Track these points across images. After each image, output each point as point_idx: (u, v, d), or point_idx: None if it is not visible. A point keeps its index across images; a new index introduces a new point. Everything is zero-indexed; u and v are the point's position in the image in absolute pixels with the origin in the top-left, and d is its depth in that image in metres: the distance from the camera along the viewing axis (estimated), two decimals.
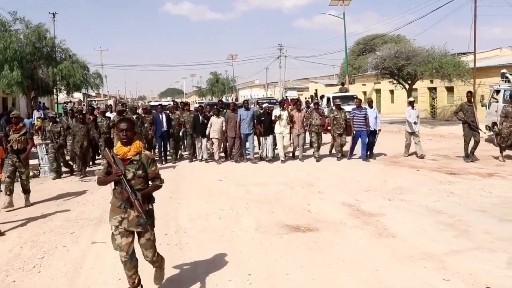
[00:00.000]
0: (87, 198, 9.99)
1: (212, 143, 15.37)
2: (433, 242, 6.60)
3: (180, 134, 15.70)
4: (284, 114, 14.42)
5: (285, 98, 23.57)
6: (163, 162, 15.04)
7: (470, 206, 8.40)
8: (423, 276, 5.44)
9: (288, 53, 67.47)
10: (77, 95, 46.05)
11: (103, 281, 5.58)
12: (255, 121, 14.66)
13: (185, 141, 16.60)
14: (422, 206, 8.52)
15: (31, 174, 12.62)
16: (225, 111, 16.13)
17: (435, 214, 7.98)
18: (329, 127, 14.80)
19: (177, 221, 7.99)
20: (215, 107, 16.23)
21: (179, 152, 16.34)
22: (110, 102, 42.29)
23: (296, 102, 15.85)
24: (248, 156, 15.01)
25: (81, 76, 31.50)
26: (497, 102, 17.41)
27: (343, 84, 34.32)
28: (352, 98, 21.83)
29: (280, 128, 14.32)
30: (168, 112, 16.24)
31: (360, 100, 15.25)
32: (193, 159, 15.62)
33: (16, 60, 27.37)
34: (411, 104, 15.16)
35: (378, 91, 40.81)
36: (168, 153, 15.86)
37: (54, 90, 34.05)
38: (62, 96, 41.04)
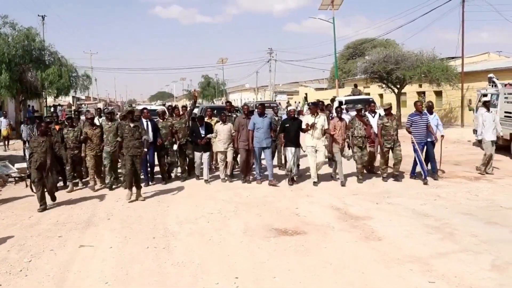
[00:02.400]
0: (75, 202, 9.95)
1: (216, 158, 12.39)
2: (419, 245, 6.66)
3: (175, 148, 12.06)
4: (319, 121, 11.00)
5: (317, 100, 18.75)
6: (149, 182, 11.73)
7: (457, 209, 8.48)
8: (409, 279, 5.49)
9: (278, 57, 67.68)
10: (67, 98, 45.78)
11: (90, 285, 5.56)
12: (273, 130, 11.60)
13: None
14: (409, 209, 8.59)
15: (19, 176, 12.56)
16: (235, 115, 13.09)
17: (422, 217, 8.05)
18: (370, 138, 11.56)
19: (165, 224, 7.98)
20: (222, 112, 12.75)
21: (173, 171, 12.62)
22: (100, 105, 42.02)
23: (337, 108, 12.10)
24: (257, 174, 11.66)
25: (68, 80, 31.29)
26: None
27: (356, 85, 29.81)
28: (367, 101, 18.39)
29: (313, 140, 10.99)
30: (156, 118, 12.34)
31: (421, 102, 12.16)
32: (184, 177, 12.20)
33: (4, 63, 27.18)
34: (486, 106, 12.54)
35: (367, 95, 40.99)
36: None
37: (43, 93, 33.82)
38: (50, 100, 40.78)
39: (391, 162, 11.49)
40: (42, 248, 6.88)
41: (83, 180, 11.99)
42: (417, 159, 11.22)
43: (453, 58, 31.14)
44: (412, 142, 11.26)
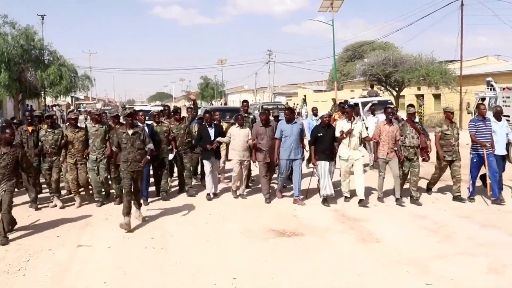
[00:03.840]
0: (73, 202, 9.93)
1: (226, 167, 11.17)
2: (416, 247, 6.69)
3: (171, 157, 10.04)
4: (357, 128, 9.26)
5: (344, 101, 17.69)
6: (147, 199, 9.51)
7: (454, 212, 8.51)
8: (406, 281, 5.53)
9: (277, 58, 67.72)
10: (66, 98, 45.77)
11: (88, 284, 5.58)
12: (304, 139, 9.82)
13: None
14: (407, 211, 8.62)
15: None
16: (252, 116, 11.73)
17: (420, 219, 8.08)
18: (425, 149, 9.65)
19: (163, 225, 8.00)
20: (237, 115, 10.70)
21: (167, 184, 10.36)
22: (99, 105, 41.98)
23: (390, 110, 9.68)
24: (279, 187, 10.08)
25: (69, 82, 31.31)
26: None
27: (372, 86, 27.09)
28: (385, 103, 16.59)
29: (349, 150, 9.20)
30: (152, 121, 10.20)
31: (484, 106, 9.92)
32: (189, 192, 10.30)
33: (3, 62, 27.20)
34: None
35: (353, 98, 41.09)
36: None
37: (42, 93, 33.84)
38: (49, 99, 40.78)
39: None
40: (40, 247, 6.88)
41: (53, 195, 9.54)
42: (471, 174, 9.47)
43: (451, 61, 31.26)
44: (473, 153, 9.37)
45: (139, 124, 8.90)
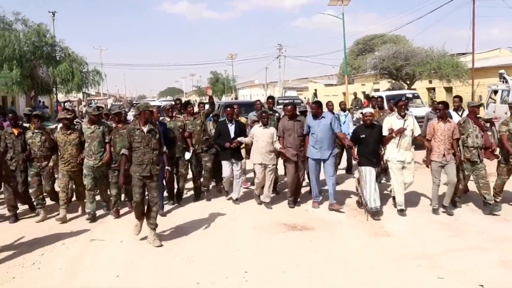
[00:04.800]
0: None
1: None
2: (428, 241, 6.68)
3: (188, 157, 8.97)
4: (409, 125, 8.00)
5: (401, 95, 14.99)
6: (163, 208, 8.43)
7: (466, 207, 8.46)
8: (417, 275, 5.52)
9: (287, 52, 67.57)
10: (77, 94, 46.03)
11: (101, 278, 5.64)
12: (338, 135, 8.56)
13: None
14: (419, 205, 8.59)
15: None
16: (277, 114, 10.34)
17: (431, 214, 8.04)
18: (491, 148, 8.22)
19: (175, 220, 8.04)
20: (261, 112, 9.31)
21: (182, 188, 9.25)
22: (110, 100, 42.04)
23: (439, 104, 8.41)
24: (314, 194, 8.75)
25: (80, 79, 31.51)
26: (495, 102, 17.49)
27: (395, 78, 25.70)
28: (411, 97, 14.95)
29: (400, 152, 7.99)
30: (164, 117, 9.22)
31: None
32: (206, 197, 9.40)
33: (15, 59, 27.43)
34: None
35: (377, 91, 40.94)
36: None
37: (54, 89, 34.10)
38: (61, 95, 41.06)
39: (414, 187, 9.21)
40: (54, 242, 6.96)
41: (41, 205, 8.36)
42: None
43: (463, 54, 31.03)
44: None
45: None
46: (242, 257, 6.20)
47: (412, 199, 8.95)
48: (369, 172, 7.90)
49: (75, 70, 30.65)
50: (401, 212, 8.04)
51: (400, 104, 8.17)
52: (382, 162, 8.50)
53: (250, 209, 8.67)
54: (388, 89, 21.84)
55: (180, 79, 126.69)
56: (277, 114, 10.32)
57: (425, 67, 26.82)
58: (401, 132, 7.91)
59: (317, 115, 8.42)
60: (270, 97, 11.32)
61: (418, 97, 18.07)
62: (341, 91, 44.05)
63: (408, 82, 29.17)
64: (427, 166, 8.15)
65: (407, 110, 8.49)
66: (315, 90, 52.42)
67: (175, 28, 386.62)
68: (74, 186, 8.71)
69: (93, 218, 8.14)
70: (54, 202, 8.65)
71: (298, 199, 8.93)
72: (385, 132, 8.04)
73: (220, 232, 7.32)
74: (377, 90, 37.61)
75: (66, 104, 39.11)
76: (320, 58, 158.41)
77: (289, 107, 8.84)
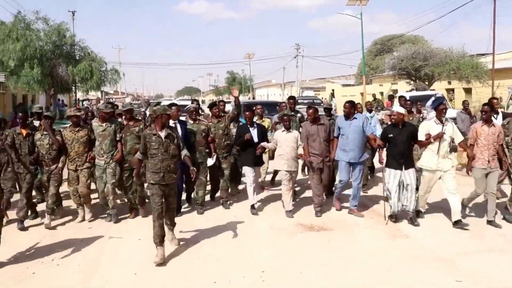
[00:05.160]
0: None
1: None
2: (446, 243, 6.62)
3: (210, 163, 8.39)
4: (448, 130, 7.36)
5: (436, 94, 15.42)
6: (180, 210, 8.24)
7: (485, 209, 8.33)
8: (435, 277, 5.48)
9: (305, 52, 67.35)
10: (96, 93, 46.51)
11: (119, 275, 5.70)
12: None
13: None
14: (438, 207, 8.50)
15: None
16: (299, 116, 9.92)
17: (450, 216, 7.94)
18: None
19: (192, 219, 8.08)
20: (282, 115, 9.12)
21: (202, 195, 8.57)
22: (128, 99, 42.42)
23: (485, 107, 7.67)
24: (337, 193, 8.50)
25: (98, 78, 31.82)
26: None
27: (419, 78, 24.67)
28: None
29: (437, 159, 7.38)
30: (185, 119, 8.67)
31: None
32: (224, 206, 8.78)
33: (36, 58, 27.80)
34: None
35: (395, 91, 40.70)
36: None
37: (73, 87, 34.50)
38: (80, 94, 41.52)
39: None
40: (72, 239, 7.04)
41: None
42: None
43: (483, 54, 30.63)
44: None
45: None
46: (259, 257, 6.22)
47: (430, 201, 8.86)
48: (393, 175, 7.47)
49: (94, 69, 30.96)
50: (421, 213, 7.82)
51: (440, 108, 7.48)
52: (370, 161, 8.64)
53: (267, 210, 8.66)
54: (412, 90, 20.80)
55: (198, 78, 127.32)
56: (299, 115, 9.88)
57: (444, 67, 26.58)
58: (439, 137, 7.31)
59: (349, 115, 8.03)
60: (291, 97, 10.67)
61: (444, 98, 17.52)
62: (358, 91, 43.79)
63: (427, 82, 28.93)
64: (468, 174, 7.71)
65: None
66: (333, 90, 52.21)
67: (193, 28, 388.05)
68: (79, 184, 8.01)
69: (115, 218, 7.91)
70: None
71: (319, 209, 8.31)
72: (421, 137, 7.48)
73: (237, 232, 7.32)
74: (396, 90, 37.42)
75: (84, 102, 39.55)
76: (338, 58, 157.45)
77: (310, 110, 8.25)
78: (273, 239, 6.96)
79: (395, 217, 7.65)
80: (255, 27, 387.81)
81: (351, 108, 8.08)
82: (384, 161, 7.70)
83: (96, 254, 6.44)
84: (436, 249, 6.38)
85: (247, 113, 8.62)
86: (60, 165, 7.76)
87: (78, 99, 40.90)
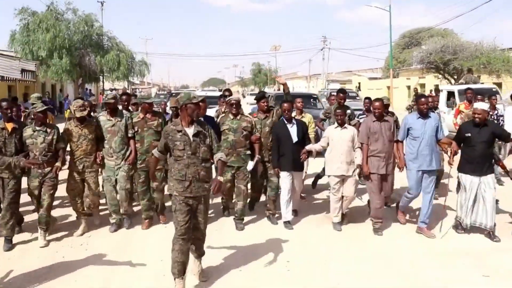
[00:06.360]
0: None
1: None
2: (474, 238, 6.54)
3: (250, 167, 7.02)
4: None
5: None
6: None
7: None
8: (462, 272, 5.45)
9: (332, 45, 66.93)
10: (122, 82, 47.06)
11: (146, 261, 5.77)
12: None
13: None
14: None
15: None
16: (348, 111, 7.88)
17: None
18: None
19: (217, 208, 8.04)
20: (336, 107, 7.77)
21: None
22: (154, 90, 42.64)
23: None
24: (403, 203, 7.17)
25: (126, 68, 32.20)
26: None
27: (470, 70, 21.79)
28: (489, 93, 11.83)
29: None
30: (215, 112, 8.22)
31: None
32: (272, 221, 7.31)
33: (65, 48, 28.27)
34: None
35: (422, 85, 40.15)
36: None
37: (101, 77, 35.00)
38: (108, 84, 42.08)
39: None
40: (101, 224, 7.16)
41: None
42: None
43: None
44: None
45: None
46: (284, 247, 6.23)
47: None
48: (469, 182, 6.46)
49: (121, 59, 31.34)
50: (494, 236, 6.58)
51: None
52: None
53: (293, 201, 8.57)
54: (461, 83, 19.35)
55: (223, 69, 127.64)
56: (348, 111, 8.05)
57: (474, 61, 26.06)
58: None
59: (423, 113, 6.67)
60: (341, 91, 8.73)
61: (497, 92, 15.64)
62: (385, 85, 43.35)
63: (456, 77, 28.44)
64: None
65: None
66: (359, 83, 51.81)
67: (219, 20, 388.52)
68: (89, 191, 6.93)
69: (117, 228, 6.95)
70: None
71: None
72: None
73: (263, 222, 7.35)
74: (423, 85, 36.89)
75: (110, 95, 39.96)
76: (365, 51, 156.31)
77: (377, 103, 6.84)
78: (299, 230, 6.94)
79: (462, 228, 6.69)
80: (282, 19, 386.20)
81: (425, 104, 6.66)
82: (453, 164, 6.65)
83: (123, 240, 6.57)
84: (463, 244, 6.32)
85: (285, 105, 7.08)
86: (58, 163, 6.39)
87: (105, 89, 41.37)
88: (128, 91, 14.21)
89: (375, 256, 5.92)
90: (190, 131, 4.86)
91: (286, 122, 7.07)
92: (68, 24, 29.49)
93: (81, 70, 30.78)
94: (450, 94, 16.80)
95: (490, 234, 6.45)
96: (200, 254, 5.24)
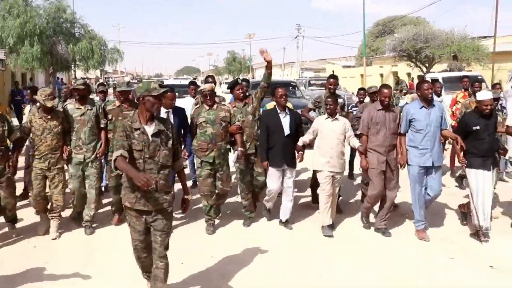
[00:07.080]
0: None
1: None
2: (503, 242, 6.25)
3: (234, 159, 6.41)
4: None
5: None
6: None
7: None
8: (490, 277, 5.38)
9: (306, 33, 67.05)
10: (94, 71, 46.39)
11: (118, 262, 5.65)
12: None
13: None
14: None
15: None
16: (340, 100, 7.67)
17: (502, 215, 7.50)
18: None
19: (235, 207, 7.68)
20: (327, 96, 7.05)
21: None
22: (127, 78, 42.32)
23: None
24: (419, 217, 6.37)
25: (100, 56, 31.71)
26: None
27: (455, 57, 21.29)
28: (477, 80, 11.06)
29: None
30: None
31: None
32: (248, 220, 6.94)
33: (36, 35, 27.65)
34: None
35: (395, 73, 40.62)
36: None
37: (73, 66, 34.40)
38: (80, 73, 41.44)
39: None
40: (118, 225, 6.85)
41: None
42: None
43: (485, 37, 30.53)
44: None
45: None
46: (280, 250, 6.31)
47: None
48: (477, 177, 5.97)
49: (94, 47, 30.83)
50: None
51: None
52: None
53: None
54: (445, 70, 19.09)
55: (198, 58, 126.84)
56: (340, 100, 7.55)
57: (445, 50, 26.52)
58: None
59: (427, 101, 6.06)
60: (332, 76, 7.90)
61: (483, 80, 15.14)
62: (359, 73, 43.70)
63: (427, 65, 28.89)
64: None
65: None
66: (332, 71, 52.08)
67: (193, 7, 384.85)
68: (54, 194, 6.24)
69: (91, 230, 6.41)
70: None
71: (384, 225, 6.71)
72: None
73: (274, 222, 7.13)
74: (396, 72, 37.30)
75: (80, 81, 39.38)
76: (339, 39, 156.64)
77: (386, 90, 6.17)
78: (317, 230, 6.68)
79: (483, 234, 6.12)
80: (257, 8, 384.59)
81: (431, 89, 6.06)
82: (462, 160, 6.16)
83: None
84: (490, 249, 6.05)
85: (279, 90, 6.39)
86: (14, 159, 5.89)
87: (76, 78, 40.75)
88: (101, 80, 13.79)
89: (400, 259, 5.86)
90: (150, 129, 4.02)
91: (279, 110, 6.45)
92: (39, 10, 28.83)
93: (52, 59, 30.17)
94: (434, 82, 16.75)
95: (483, 233, 6.17)
96: (164, 279, 4.16)
